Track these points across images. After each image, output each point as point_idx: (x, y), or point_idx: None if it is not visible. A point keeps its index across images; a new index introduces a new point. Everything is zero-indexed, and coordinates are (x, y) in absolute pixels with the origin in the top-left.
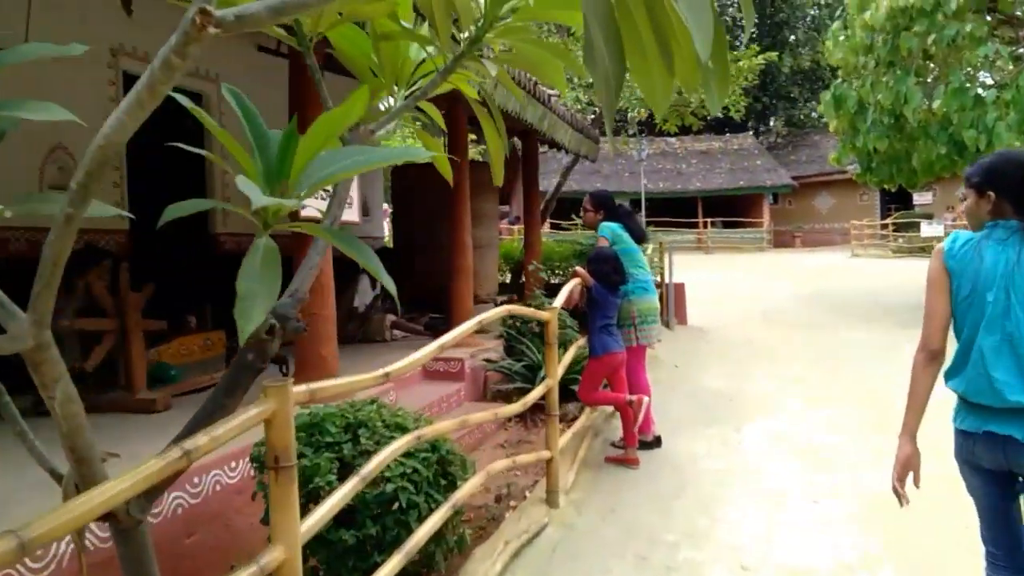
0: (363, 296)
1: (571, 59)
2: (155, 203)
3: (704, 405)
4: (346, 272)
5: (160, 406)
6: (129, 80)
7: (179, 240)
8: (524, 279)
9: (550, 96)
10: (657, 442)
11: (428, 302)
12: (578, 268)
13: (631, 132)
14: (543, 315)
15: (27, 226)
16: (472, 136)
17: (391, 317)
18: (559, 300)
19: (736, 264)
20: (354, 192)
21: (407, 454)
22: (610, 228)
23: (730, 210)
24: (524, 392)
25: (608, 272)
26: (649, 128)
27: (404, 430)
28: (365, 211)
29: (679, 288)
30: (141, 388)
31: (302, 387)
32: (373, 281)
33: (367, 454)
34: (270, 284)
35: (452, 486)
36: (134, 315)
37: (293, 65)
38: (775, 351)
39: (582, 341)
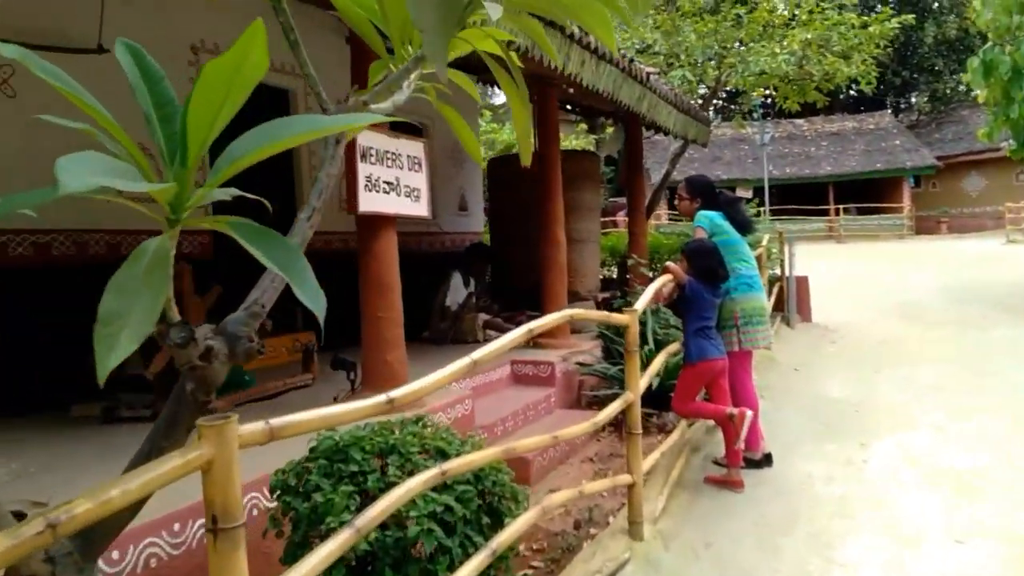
0: (455, 294)
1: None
2: (243, 201)
3: (824, 416)
4: (437, 269)
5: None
6: None
7: None
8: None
9: (649, 74)
10: (767, 460)
11: (526, 300)
12: (669, 263)
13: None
14: (619, 319)
15: (73, 228)
16: (581, 124)
17: (484, 316)
18: (642, 300)
19: (872, 253)
20: (420, 182)
21: (441, 486)
22: (708, 217)
23: (865, 195)
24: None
25: (706, 267)
26: (775, 111)
27: (444, 456)
28: (463, 206)
29: (801, 282)
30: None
31: (256, 425)
32: (467, 278)
33: (395, 487)
34: (149, 301)
35: (498, 524)
36: (196, 320)
37: (355, 51)
38: (912, 353)
39: (675, 347)
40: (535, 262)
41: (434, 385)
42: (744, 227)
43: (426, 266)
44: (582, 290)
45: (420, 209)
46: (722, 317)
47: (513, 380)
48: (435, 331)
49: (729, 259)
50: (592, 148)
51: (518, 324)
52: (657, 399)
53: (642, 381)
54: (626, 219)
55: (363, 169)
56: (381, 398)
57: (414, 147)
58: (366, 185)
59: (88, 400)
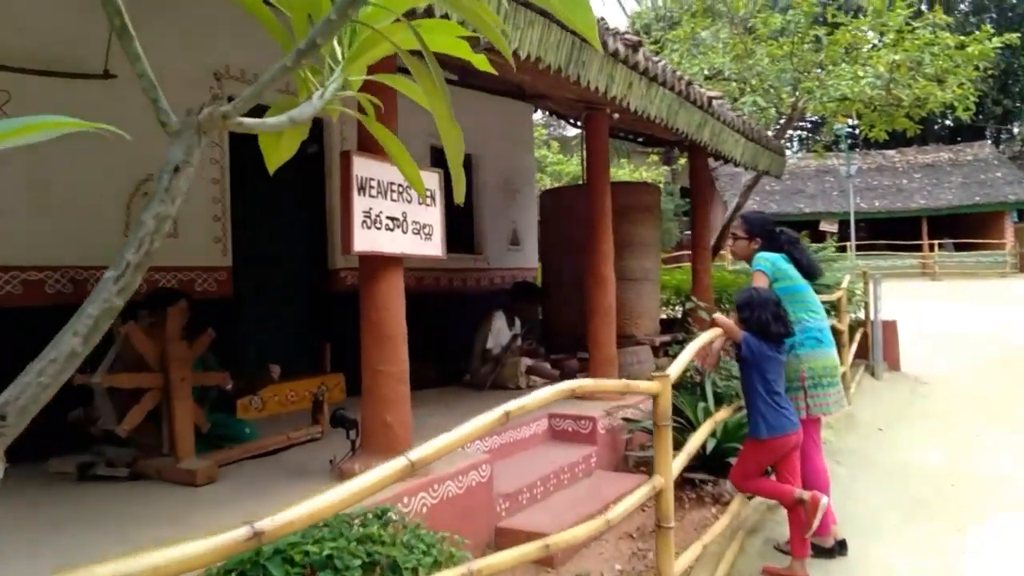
0: (498, 336)
1: None
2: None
3: (913, 491)
4: (483, 309)
5: (201, 480)
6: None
7: (294, 277)
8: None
9: (711, 99)
10: (840, 549)
11: (577, 343)
12: (718, 315)
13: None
14: (647, 387)
15: (72, 264)
16: (653, 155)
17: (527, 361)
18: (679, 362)
19: (971, 293)
20: (433, 218)
21: None
22: (769, 260)
23: (963, 230)
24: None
25: (767, 320)
26: (862, 141)
27: (397, 573)
28: (514, 240)
29: (889, 326)
30: (187, 456)
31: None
32: (511, 318)
33: None
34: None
35: None
36: (179, 369)
37: None
38: (1020, 413)
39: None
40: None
41: (435, 454)
42: (810, 271)
43: (471, 305)
44: (638, 333)
45: (432, 248)
46: (787, 377)
47: (550, 436)
48: (475, 375)
49: (794, 309)
50: (665, 180)
51: (567, 369)
52: (713, 463)
53: (692, 444)
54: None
55: (360, 203)
56: (357, 483)
57: (427, 177)
58: (364, 222)
59: (70, 451)
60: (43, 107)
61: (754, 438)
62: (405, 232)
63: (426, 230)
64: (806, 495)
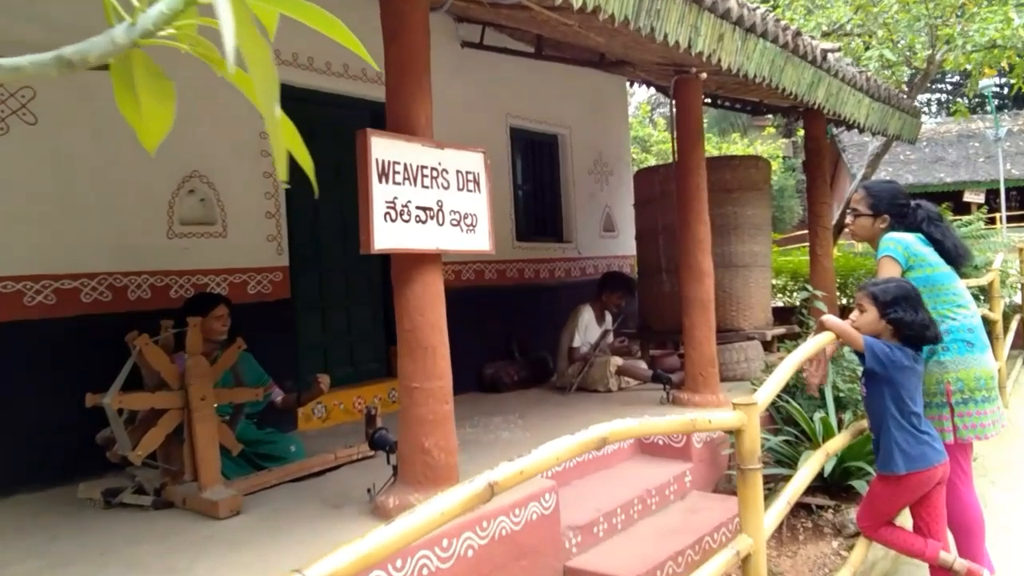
0: (586, 332)
1: None
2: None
3: None
4: (574, 302)
5: (223, 512)
6: (288, 91)
7: (358, 275)
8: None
9: (826, 52)
10: None
11: (680, 339)
12: (828, 317)
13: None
14: (723, 422)
15: (109, 271)
16: (771, 127)
17: (617, 361)
18: (771, 384)
19: None
20: (477, 206)
21: None
22: (901, 243)
23: None
24: (781, 480)
25: (906, 320)
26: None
27: None
28: (609, 225)
29: None
30: (211, 483)
31: None
32: (600, 313)
33: None
34: None
35: None
36: (199, 387)
37: None
38: None
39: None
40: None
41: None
42: (956, 255)
43: (560, 299)
44: (746, 326)
45: (476, 242)
46: (926, 391)
47: (636, 450)
48: (561, 376)
49: (935, 304)
50: (784, 154)
51: (666, 367)
52: (835, 484)
53: (807, 470)
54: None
55: (381, 191)
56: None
57: (468, 159)
58: (387, 214)
59: (100, 475)
60: (70, 102)
61: (887, 472)
62: (441, 224)
63: (468, 220)
64: (962, 565)
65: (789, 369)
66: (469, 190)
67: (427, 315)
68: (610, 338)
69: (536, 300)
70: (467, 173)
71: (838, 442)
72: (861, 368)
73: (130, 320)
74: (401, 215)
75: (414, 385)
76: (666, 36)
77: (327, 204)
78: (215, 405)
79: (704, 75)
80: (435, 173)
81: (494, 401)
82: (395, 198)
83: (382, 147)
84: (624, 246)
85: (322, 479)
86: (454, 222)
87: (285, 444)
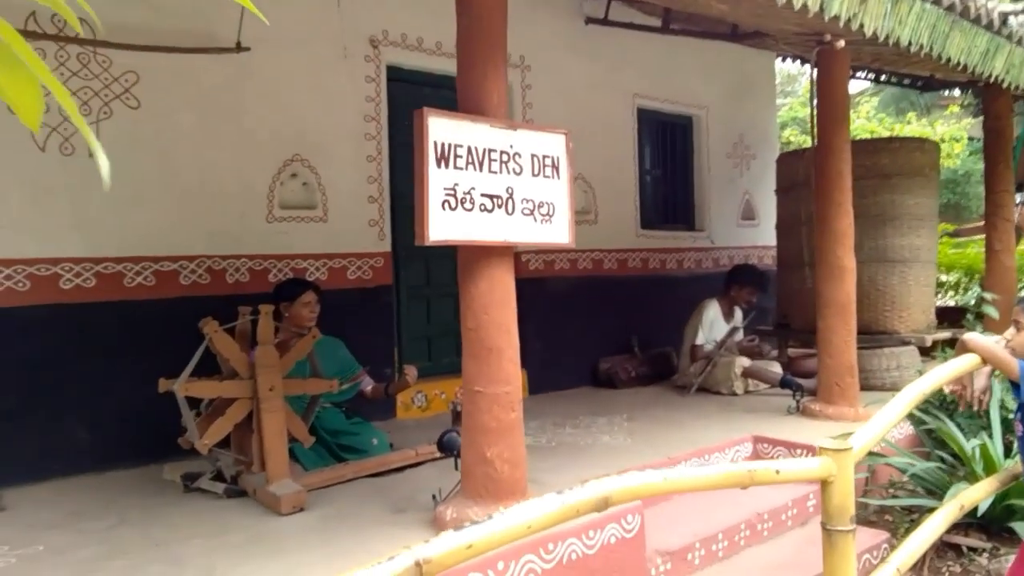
0: (711, 329)
1: None
2: None
3: None
4: (695, 296)
5: (285, 508)
6: (394, 72)
7: None
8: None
9: (1005, 15)
10: None
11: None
12: (972, 336)
13: None
14: (800, 473)
15: (209, 253)
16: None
17: (743, 362)
18: (874, 428)
19: None
20: (555, 194)
21: None
22: None
23: None
24: (921, 512)
25: None
26: None
27: None
28: (749, 213)
29: None
30: (278, 476)
31: None
32: (729, 308)
33: None
34: None
35: None
36: (267, 377)
37: None
38: None
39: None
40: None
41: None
42: None
43: (689, 292)
44: (902, 329)
45: (552, 233)
46: None
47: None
48: (682, 375)
49: None
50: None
51: (803, 371)
52: (993, 521)
53: (953, 505)
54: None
55: (439, 177)
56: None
57: (546, 142)
58: (446, 202)
59: (189, 457)
60: (173, 86)
61: None
62: (511, 213)
63: (543, 210)
64: None
65: (908, 403)
66: (546, 176)
67: (493, 314)
68: (738, 336)
69: (661, 292)
70: (544, 157)
71: (992, 479)
72: (1016, 402)
73: (228, 303)
74: (463, 203)
75: (477, 389)
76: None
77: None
78: (287, 396)
79: (841, 43)
80: (505, 157)
81: (606, 398)
82: (456, 184)
83: (442, 128)
84: (764, 236)
85: (400, 476)
86: (526, 211)
87: (368, 436)
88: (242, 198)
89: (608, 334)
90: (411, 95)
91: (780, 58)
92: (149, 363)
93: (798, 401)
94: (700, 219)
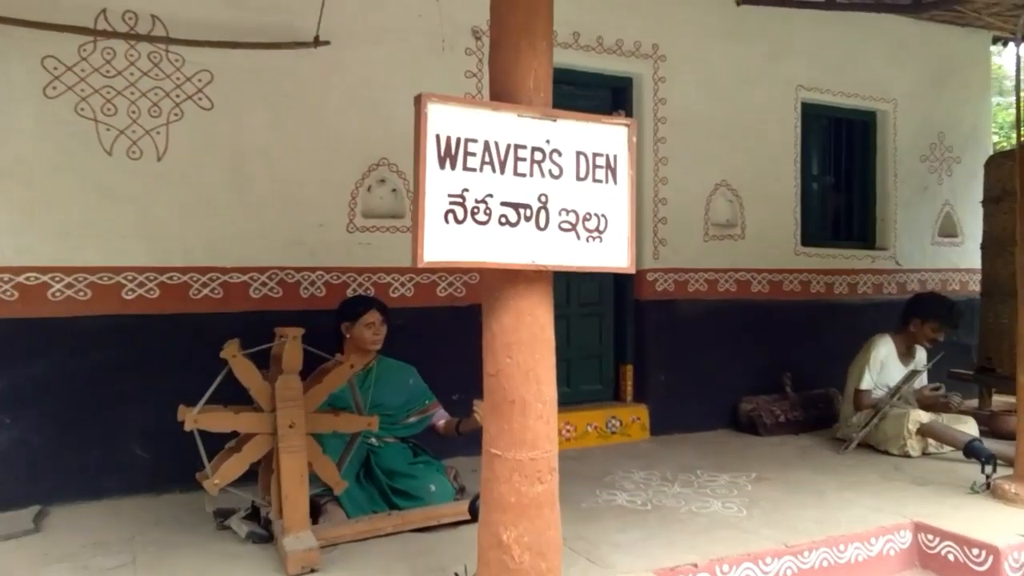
0: (881, 372)
1: None
2: None
3: None
4: (874, 327)
5: (292, 569)
6: None
7: (583, 280)
8: None
9: None
10: None
11: None
12: None
13: None
14: None
15: (282, 265)
16: None
17: (921, 417)
18: None
19: None
20: (611, 204)
21: None
22: None
23: None
24: None
25: None
26: None
27: None
28: (949, 230)
29: None
30: (297, 527)
31: None
32: (908, 346)
33: None
34: None
35: None
36: (288, 412)
37: None
38: None
39: None
40: None
41: None
42: None
43: (864, 322)
44: None
45: (603, 255)
46: None
47: (914, 560)
48: (843, 426)
49: None
50: None
51: (1007, 430)
52: None
53: None
54: None
55: (441, 180)
56: None
57: (597, 136)
58: (450, 212)
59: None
60: (249, 85)
61: None
62: (543, 227)
63: (590, 223)
64: None
65: None
66: (597, 179)
67: (517, 357)
68: (921, 382)
69: (825, 321)
70: (594, 156)
71: None
72: None
73: (301, 319)
74: (474, 214)
75: (494, 452)
76: None
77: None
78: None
79: None
80: (539, 155)
81: (740, 448)
82: (465, 190)
83: (447, 117)
84: (970, 257)
85: (449, 534)
86: (566, 226)
87: (426, 482)
88: (321, 206)
89: (754, 369)
90: None
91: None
92: (213, 380)
93: (988, 476)
94: (882, 235)
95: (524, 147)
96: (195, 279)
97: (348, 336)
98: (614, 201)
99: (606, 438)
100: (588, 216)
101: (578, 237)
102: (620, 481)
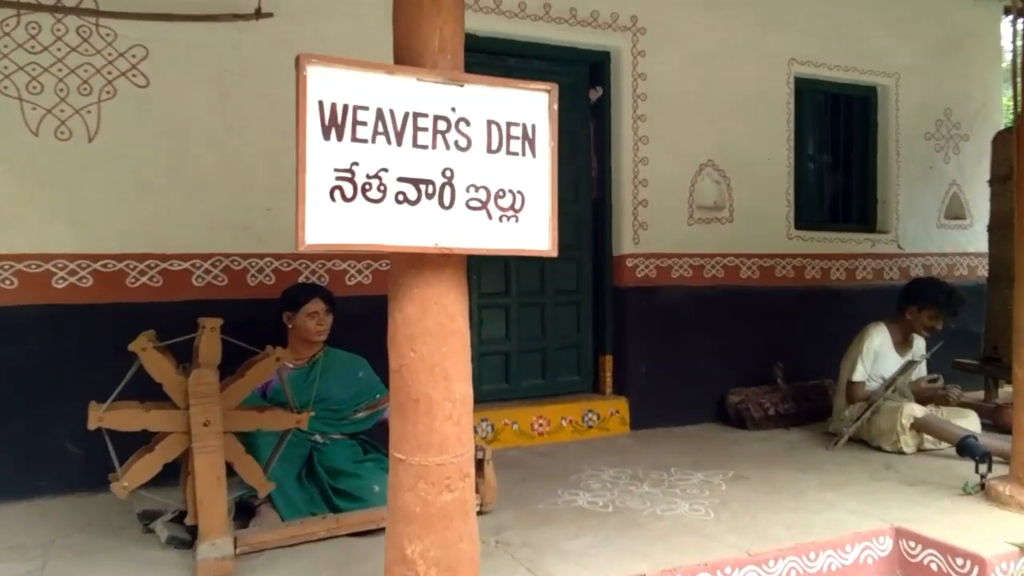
0: (877, 361)
1: None
2: None
3: None
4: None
5: None
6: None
7: (558, 265)
8: None
9: None
10: None
11: None
12: None
13: None
14: None
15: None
16: None
17: (915, 411)
18: None
19: None
20: (528, 180)
21: None
22: None
23: None
24: None
25: None
26: None
27: None
28: (957, 212)
29: None
30: (213, 532)
31: None
32: (904, 335)
33: None
34: None
35: None
36: (203, 409)
37: None
38: None
39: None
40: None
41: None
42: None
43: (864, 310)
44: None
45: (520, 237)
46: None
47: (891, 572)
48: (835, 419)
49: None
50: None
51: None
52: None
53: None
54: None
55: (326, 153)
56: None
57: (513, 101)
58: (338, 188)
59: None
60: (188, 60)
61: None
62: (448, 206)
63: (504, 201)
64: None
65: None
66: (512, 152)
67: (422, 349)
68: (919, 373)
69: (821, 309)
70: (508, 126)
71: None
72: None
73: (250, 308)
74: (365, 191)
75: (398, 456)
76: None
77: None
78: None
79: None
80: (443, 125)
81: (724, 443)
82: (354, 164)
83: (331, 82)
84: (979, 240)
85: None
86: (476, 204)
87: (370, 482)
88: (269, 189)
89: (744, 360)
90: (491, 68)
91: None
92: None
93: (983, 476)
94: (883, 217)
95: (425, 115)
96: (132, 266)
97: (291, 327)
98: (532, 176)
99: (582, 432)
100: (501, 193)
101: (490, 216)
102: (587, 480)
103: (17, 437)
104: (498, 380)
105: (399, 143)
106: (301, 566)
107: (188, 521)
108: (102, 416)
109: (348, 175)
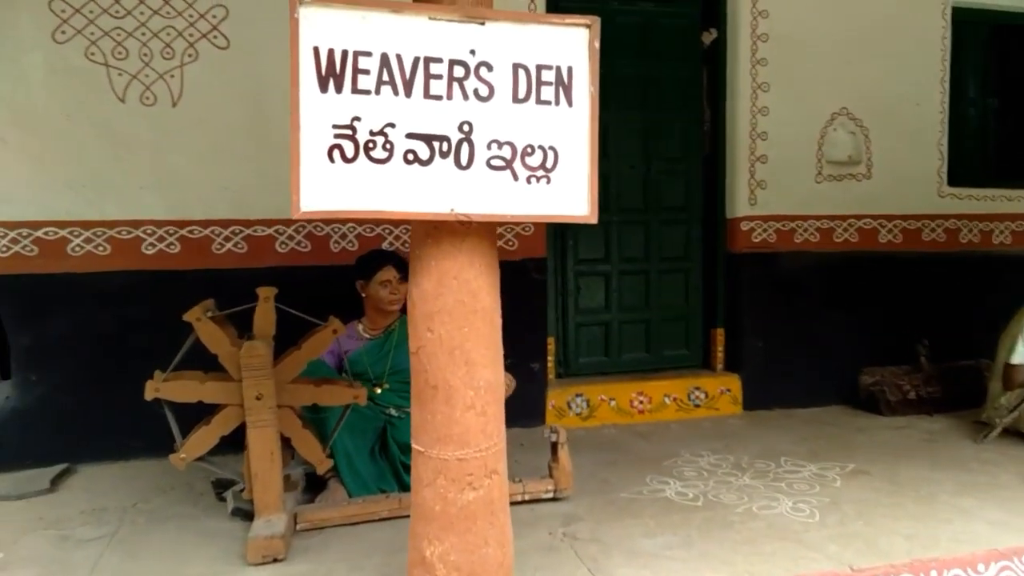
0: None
1: None
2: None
3: None
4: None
5: (253, 557)
6: None
7: (666, 231)
8: None
9: None
10: None
11: None
12: None
13: None
14: None
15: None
16: None
17: None
18: None
19: None
20: (562, 135)
21: None
22: None
23: None
24: None
25: None
26: None
27: None
28: None
29: None
30: (269, 508)
31: None
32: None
33: None
34: None
35: None
36: (255, 382)
37: None
38: None
39: None
40: None
41: None
42: None
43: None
44: None
45: (554, 201)
46: None
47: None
48: (989, 406)
49: None
50: None
51: None
52: None
53: None
54: None
55: (323, 107)
56: None
57: (544, 39)
58: (337, 147)
59: None
60: (266, 19)
61: None
62: (466, 166)
63: (534, 159)
64: None
65: None
66: (543, 100)
67: (440, 330)
68: None
69: (980, 279)
70: (538, 70)
71: None
72: None
73: (332, 274)
74: (368, 150)
75: (418, 448)
76: None
77: (620, 136)
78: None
79: None
80: (461, 71)
81: (850, 429)
82: (356, 119)
83: (328, 24)
84: None
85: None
86: (499, 163)
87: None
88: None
89: (880, 336)
90: (585, 11)
91: None
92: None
93: None
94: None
95: (439, 61)
96: (217, 232)
97: (364, 295)
98: (568, 129)
99: (687, 412)
100: (529, 149)
101: (516, 177)
102: (681, 467)
103: (113, 400)
104: (597, 352)
105: (408, 94)
106: (355, 548)
107: (245, 496)
108: (158, 387)
109: (349, 132)
